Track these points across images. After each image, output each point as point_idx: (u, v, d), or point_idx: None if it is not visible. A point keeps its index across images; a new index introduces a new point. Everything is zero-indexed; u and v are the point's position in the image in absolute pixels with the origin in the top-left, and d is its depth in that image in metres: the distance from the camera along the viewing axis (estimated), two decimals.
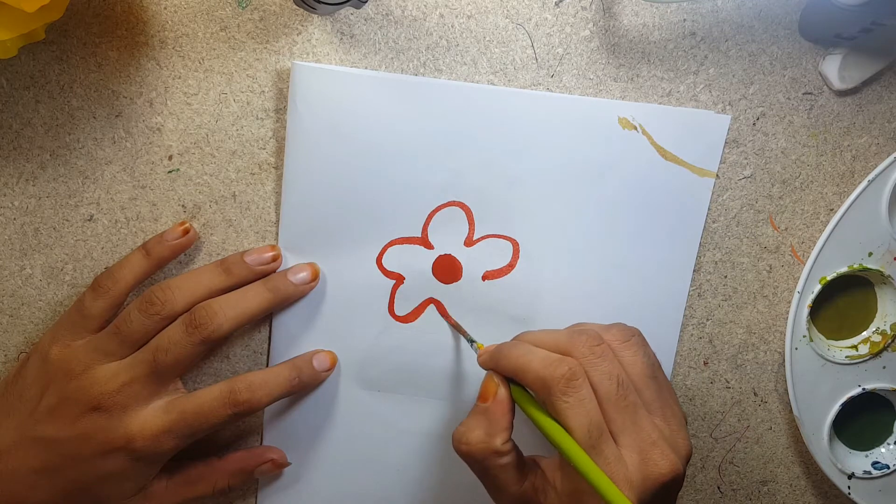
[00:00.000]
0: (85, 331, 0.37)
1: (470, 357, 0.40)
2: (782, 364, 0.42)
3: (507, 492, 0.32)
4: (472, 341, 0.38)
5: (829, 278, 0.41)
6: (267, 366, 0.40)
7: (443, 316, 0.40)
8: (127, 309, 0.36)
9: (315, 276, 0.39)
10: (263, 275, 0.38)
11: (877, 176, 0.40)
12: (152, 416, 0.35)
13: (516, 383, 0.33)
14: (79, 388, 0.35)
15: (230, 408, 0.35)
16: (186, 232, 0.38)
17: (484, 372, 0.40)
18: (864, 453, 0.44)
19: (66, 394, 0.35)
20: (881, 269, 0.41)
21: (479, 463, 0.32)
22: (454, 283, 0.40)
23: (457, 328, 0.39)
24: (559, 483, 0.32)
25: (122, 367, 0.36)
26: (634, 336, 0.34)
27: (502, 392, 0.33)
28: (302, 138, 0.37)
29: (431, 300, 0.40)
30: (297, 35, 0.37)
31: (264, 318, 0.40)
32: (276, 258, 0.38)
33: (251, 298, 0.37)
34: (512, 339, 0.35)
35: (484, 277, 0.40)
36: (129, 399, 0.35)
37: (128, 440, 0.35)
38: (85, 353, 0.36)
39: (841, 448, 0.43)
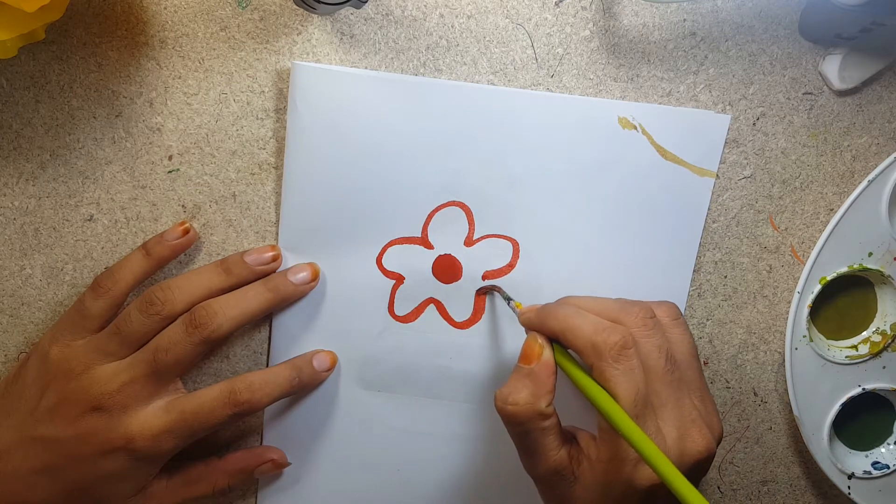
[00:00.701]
0: (85, 331, 0.37)
1: (470, 357, 0.40)
2: (782, 364, 0.42)
3: (544, 457, 0.32)
4: (508, 299, 0.37)
5: (829, 278, 0.41)
6: (267, 366, 0.40)
7: (488, 288, 0.40)
8: (127, 309, 0.36)
9: (315, 276, 0.39)
10: (263, 275, 0.38)
11: (877, 176, 0.40)
12: (152, 416, 0.35)
13: (558, 344, 0.33)
14: (79, 388, 0.35)
15: (230, 408, 0.35)
16: (186, 232, 0.38)
17: (482, 378, 0.40)
18: (864, 453, 0.44)
19: (66, 394, 0.35)
20: (881, 269, 0.41)
21: (522, 425, 0.32)
22: (454, 283, 0.40)
23: (492, 288, 0.39)
24: (593, 452, 0.32)
25: (122, 366, 0.36)
26: (682, 316, 0.34)
27: (547, 353, 0.33)
28: (302, 138, 0.37)
29: (431, 300, 0.40)
30: (297, 35, 0.37)
31: (264, 318, 0.40)
32: (276, 258, 0.38)
33: (251, 298, 0.37)
34: (556, 302, 0.35)
35: (484, 277, 0.40)
36: (129, 399, 0.35)
37: (128, 440, 0.35)
38: (85, 353, 0.36)
39: (841, 448, 0.43)
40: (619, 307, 0.33)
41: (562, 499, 0.33)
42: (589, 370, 0.31)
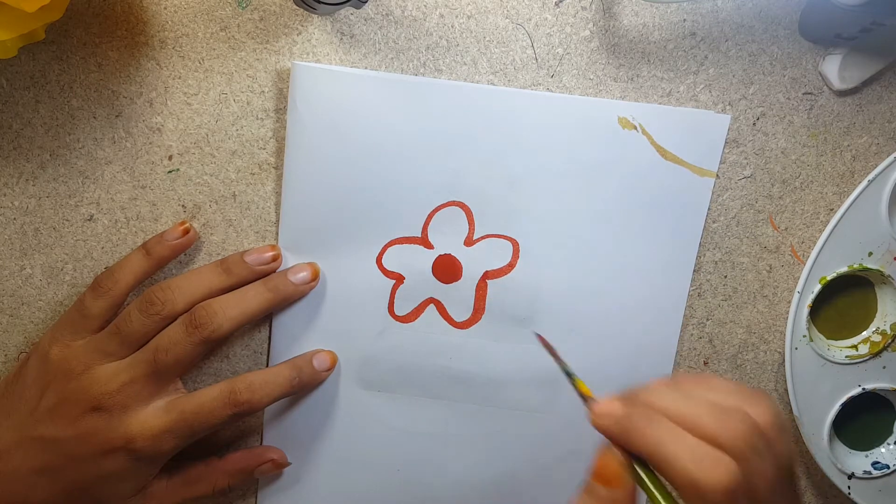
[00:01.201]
0: (85, 331, 0.37)
1: (470, 357, 0.40)
2: (782, 364, 0.42)
3: None
4: (570, 375, 0.31)
5: (829, 278, 0.41)
6: (267, 366, 0.40)
7: (543, 344, 0.35)
8: (127, 309, 0.36)
9: (315, 276, 0.39)
10: (263, 274, 0.38)
11: (877, 176, 0.40)
12: (152, 416, 0.35)
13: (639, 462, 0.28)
14: (79, 388, 0.35)
15: (230, 408, 0.35)
16: (186, 232, 0.38)
17: (482, 378, 0.40)
18: (864, 453, 0.44)
19: (66, 394, 0.35)
20: (881, 269, 0.41)
21: None
22: (454, 283, 0.40)
23: (555, 358, 0.33)
24: None
25: (122, 366, 0.36)
26: (780, 413, 0.30)
27: (629, 478, 0.27)
28: (302, 138, 0.37)
29: (431, 300, 0.40)
30: (297, 35, 0.37)
31: (264, 318, 0.40)
32: (276, 258, 0.38)
33: (251, 298, 0.37)
34: (631, 400, 0.28)
35: (484, 277, 0.40)
36: (129, 399, 0.35)
37: (128, 440, 0.35)
38: (85, 353, 0.36)
39: (841, 448, 0.43)
40: (716, 423, 0.27)
41: None
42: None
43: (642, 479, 0.27)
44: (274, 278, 0.38)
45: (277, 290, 0.38)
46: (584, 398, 0.29)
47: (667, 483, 0.27)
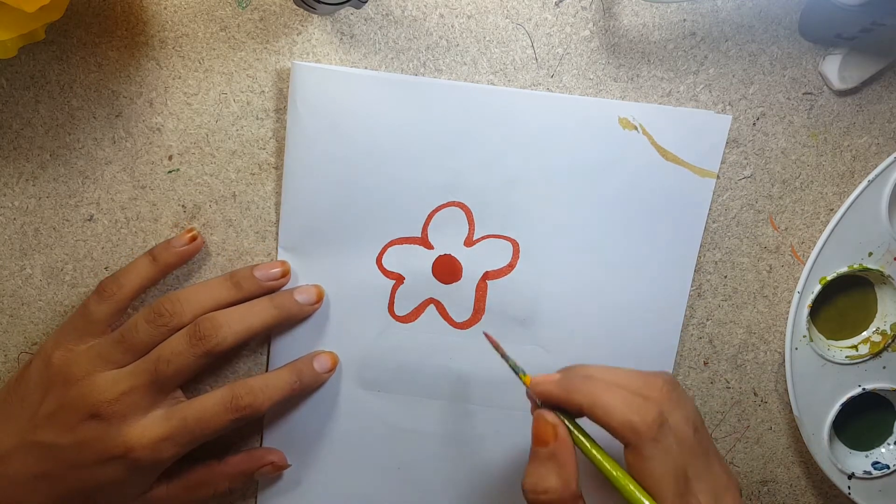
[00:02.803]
0: (88, 335, 0.36)
1: (470, 357, 0.40)
2: (782, 364, 0.42)
3: None
4: (518, 371, 0.34)
5: (829, 278, 0.41)
6: (267, 365, 0.40)
7: (490, 342, 0.35)
8: (134, 318, 0.36)
9: (319, 299, 0.39)
10: (271, 290, 0.38)
11: (877, 176, 0.40)
12: (151, 425, 0.35)
13: (562, 410, 0.31)
14: (78, 395, 0.35)
15: (232, 413, 0.35)
16: (194, 239, 0.38)
17: (482, 378, 0.40)
18: (864, 453, 0.44)
19: (66, 400, 0.35)
20: (881, 269, 0.41)
21: None
22: (454, 284, 0.40)
23: (502, 354, 0.35)
24: None
25: (122, 375, 0.35)
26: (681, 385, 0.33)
27: (563, 431, 0.31)
28: (302, 138, 0.37)
29: (431, 300, 0.40)
30: (297, 35, 0.37)
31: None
32: (285, 274, 0.38)
33: (257, 314, 0.37)
34: (566, 372, 0.32)
35: (484, 277, 0.40)
36: (127, 408, 0.35)
37: (127, 449, 0.34)
38: (87, 359, 0.36)
39: (841, 448, 0.43)
40: (641, 380, 0.31)
41: None
42: (597, 446, 0.31)
43: (575, 432, 0.31)
44: (280, 296, 0.38)
45: (283, 308, 0.37)
46: (528, 388, 0.33)
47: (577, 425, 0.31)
